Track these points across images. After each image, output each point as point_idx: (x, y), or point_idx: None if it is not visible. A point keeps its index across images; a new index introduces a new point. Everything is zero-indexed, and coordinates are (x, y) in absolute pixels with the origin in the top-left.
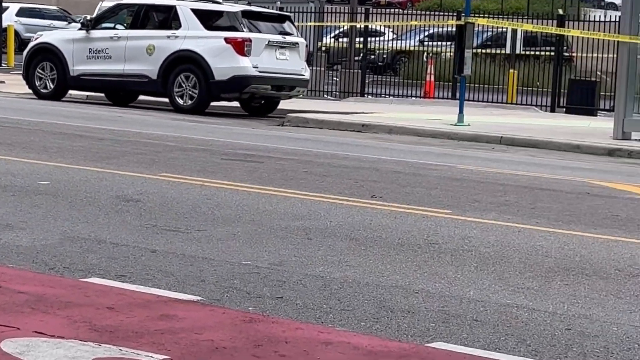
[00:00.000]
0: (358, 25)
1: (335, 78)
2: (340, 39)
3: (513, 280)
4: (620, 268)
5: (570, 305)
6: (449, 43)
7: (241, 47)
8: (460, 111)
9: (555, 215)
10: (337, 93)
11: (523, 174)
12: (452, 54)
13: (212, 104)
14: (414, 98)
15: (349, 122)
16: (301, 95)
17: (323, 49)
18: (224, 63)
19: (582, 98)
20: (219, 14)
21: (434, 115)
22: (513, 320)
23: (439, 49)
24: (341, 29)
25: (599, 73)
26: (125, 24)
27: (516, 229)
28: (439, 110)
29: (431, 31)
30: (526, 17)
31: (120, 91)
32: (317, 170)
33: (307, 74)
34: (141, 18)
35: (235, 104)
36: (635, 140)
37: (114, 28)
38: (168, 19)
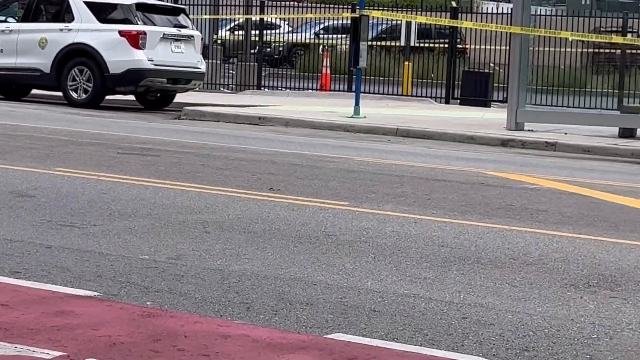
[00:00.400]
0: (254, 18)
1: (231, 71)
2: (236, 32)
3: (410, 270)
4: (515, 257)
5: (466, 294)
6: (344, 36)
7: (136, 40)
8: (357, 103)
9: (451, 205)
10: (234, 86)
11: (419, 165)
12: (347, 46)
13: (107, 97)
14: (310, 90)
15: (246, 115)
16: (197, 89)
17: (219, 41)
18: (119, 56)
19: (476, 89)
20: (113, 6)
21: (331, 108)
22: (410, 310)
23: (334, 42)
24: (237, 22)
25: (492, 64)
26: (17, 17)
27: (412, 220)
28: (335, 103)
29: (327, 24)
30: (420, 9)
31: (12, 85)
32: (215, 164)
33: (203, 67)
34: (33, 11)
35: (131, 97)
36: (528, 130)
37: (5, 21)
38: (60, 11)
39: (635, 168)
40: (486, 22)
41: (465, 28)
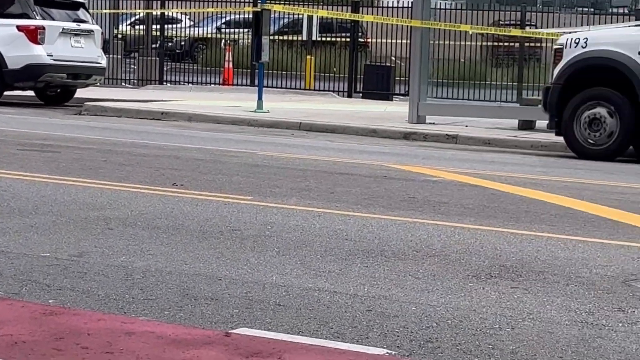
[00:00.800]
0: (154, 13)
1: (133, 66)
2: (137, 26)
3: (315, 264)
4: (418, 249)
5: (370, 286)
6: (246, 30)
7: (34, 35)
8: (259, 98)
9: (355, 198)
10: (135, 81)
11: (322, 159)
12: (249, 40)
13: (6, 93)
14: (213, 85)
15: (148, 110)
16: (98, 84)
17: (119, 36)
18: (17, 51)
19: (378, 83)
20: (10, 1)
21: (234, 102)
22: (315, 304)
23: (236, 36)
24: (137, 16)
25: (393, 58)
26: None
27: (317, 214)
28: (239, 97)
29: (228, 18)
30: (321, 3)
31: None
32: (117, 159)
33: (103, 61)
34: None
35: (31, 93)
36: (430, 123)
37: None
38: None
39: (535, 159)
40: (387, 16)
41: (367, 22)
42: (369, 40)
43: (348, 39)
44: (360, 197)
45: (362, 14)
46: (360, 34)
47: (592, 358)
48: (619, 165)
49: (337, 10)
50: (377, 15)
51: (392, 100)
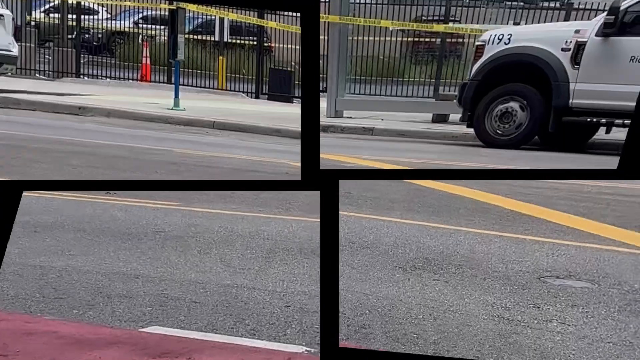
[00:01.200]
0: (70, 1)
1: (48, 56)
2: (52, 14)
3: (235, 262)
4: (353, 240)
5: (289, 282)
6: (163, 27)
7: None
8: (176, 96)
9: (277, 202)
10: (51, 72)
11: (235, 157)
12: (166, 37)
13: None
14: (131, 81)
15: (65, 104)
16: (10, 74)
17: (32, 23)
18: None
19: (281, 86)
20: None
21: (152, 99)
22: (233, 300)
23: (153, 32)
24: (52, 3)
25: (293, 63)
26: None
27: (240, 217)
28: (156, 94)
29: (146, 13)
30: (231, 6)
31: None
32: (29, 156)
33: (15, 50)
34: None
35: None
36: (347, 117)
37: None
38: None
39: (443, 148)
40: (292, 24)
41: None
42: (273, 45)
43: (255, 43)
44: (282, 201)
45: (267, 20)
46: (265, 38)
47: (508, 353)
48: (522, 153)
49: (246, 15)
50: (281, 22)
51: (292, 102)
